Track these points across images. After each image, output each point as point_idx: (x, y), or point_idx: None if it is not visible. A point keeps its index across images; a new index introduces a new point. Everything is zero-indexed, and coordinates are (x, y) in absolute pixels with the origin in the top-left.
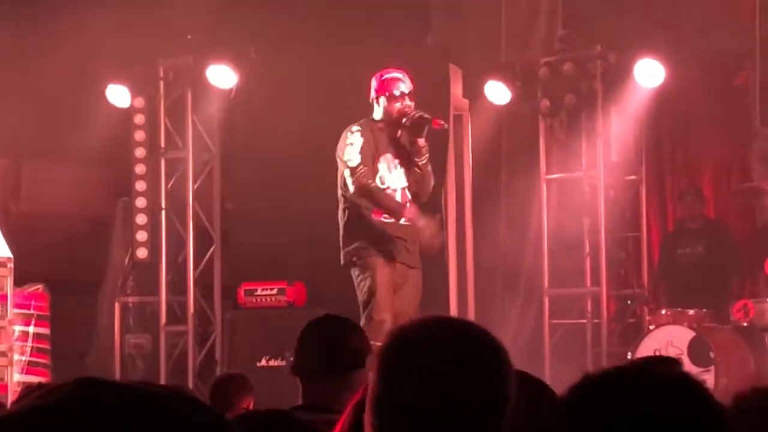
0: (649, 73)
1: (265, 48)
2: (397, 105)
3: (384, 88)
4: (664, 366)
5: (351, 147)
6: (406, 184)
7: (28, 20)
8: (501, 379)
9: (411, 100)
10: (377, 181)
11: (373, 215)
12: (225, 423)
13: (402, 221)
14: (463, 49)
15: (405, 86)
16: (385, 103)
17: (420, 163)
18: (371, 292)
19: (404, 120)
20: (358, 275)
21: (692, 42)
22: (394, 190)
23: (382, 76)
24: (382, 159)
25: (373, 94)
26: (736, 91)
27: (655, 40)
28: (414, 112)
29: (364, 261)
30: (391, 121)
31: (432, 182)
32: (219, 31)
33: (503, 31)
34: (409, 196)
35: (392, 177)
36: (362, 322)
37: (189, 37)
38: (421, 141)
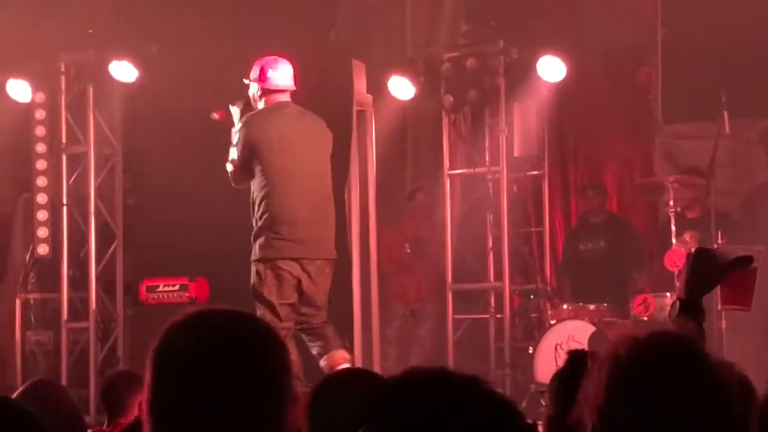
0: (551, 70)
1: (167, 43)
2: None
3: None
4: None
5: None
6: None
7: None
8: (270, 368)
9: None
10: None
11: None
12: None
13: None
14: (367, 44)
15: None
16: None
17: None
18: None
19: None
20: None
21: (594, 38)
22: None
23: None
24: None
25: None
26: (638, 87)
27: (557, 36)
28: None
29: None
30: None
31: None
32: (120, 26)
33: (408, 27)
34: None
35: None
36: None
37: (90, 31)
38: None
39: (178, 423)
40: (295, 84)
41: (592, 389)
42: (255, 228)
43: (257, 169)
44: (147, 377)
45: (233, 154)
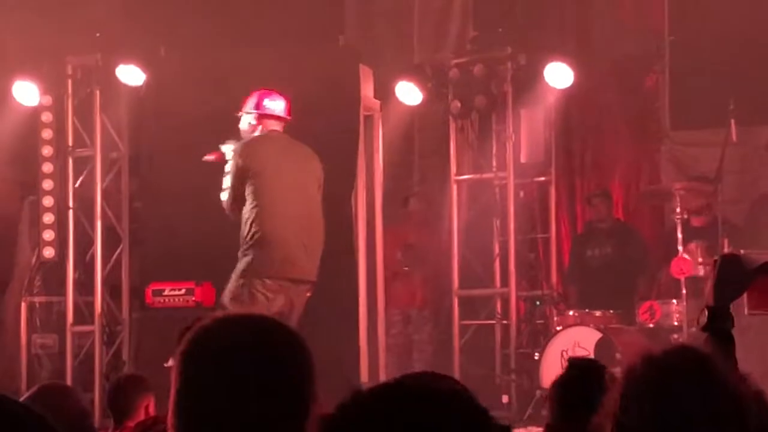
0: (558, 76)
1: (175, 46)
2: None
3: None
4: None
5: None
6: None
7: None
8: (296, 371)
9: None
10: None
11: None
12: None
13: None
14: (375, 50)
15: None
16: None
17: None
18: None
19: None
20: None
21: (602, 45)
22: None
23: None
24: None
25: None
26: (646, 93)
27: (565, 42)
28: None
29: None
30: None
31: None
32: (128, 30)
33: (415, 33)
34: None
35: None
36: None
37: (98, 35)
38: None
39: (205, 425)
40: (288, 115)
41: (610, 405)
42: (241, 247)
43: (248, 191)
44: (174, 381)
45: (227, 182)
